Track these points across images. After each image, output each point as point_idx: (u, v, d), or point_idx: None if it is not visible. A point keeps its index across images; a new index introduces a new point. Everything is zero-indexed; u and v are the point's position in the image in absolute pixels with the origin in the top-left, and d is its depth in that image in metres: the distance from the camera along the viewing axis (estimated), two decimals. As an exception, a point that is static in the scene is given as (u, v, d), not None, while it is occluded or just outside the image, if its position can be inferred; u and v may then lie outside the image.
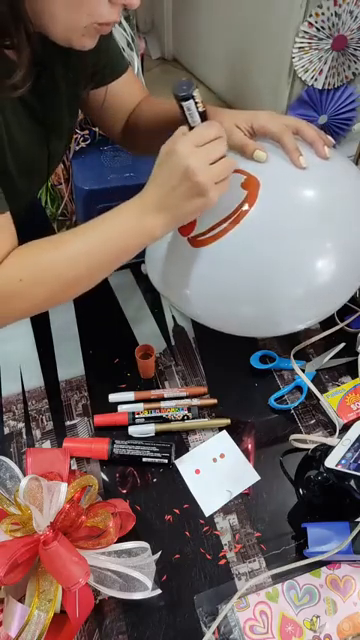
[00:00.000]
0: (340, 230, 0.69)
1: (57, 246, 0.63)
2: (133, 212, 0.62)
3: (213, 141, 0.60)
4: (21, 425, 0.80)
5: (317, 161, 0.69)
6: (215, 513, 0.71)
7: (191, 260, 0.72)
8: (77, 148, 1.58)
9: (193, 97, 0.60)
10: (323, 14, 1.71)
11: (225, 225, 0.67)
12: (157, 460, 0.74)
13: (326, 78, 1.87)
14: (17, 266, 0.62)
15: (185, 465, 0.75)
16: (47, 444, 0.78)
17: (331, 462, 0.64)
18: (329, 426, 0.79)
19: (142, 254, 0.83)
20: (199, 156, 0.58)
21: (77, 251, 0.62)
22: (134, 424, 0.78)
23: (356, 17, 1.74)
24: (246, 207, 0.66)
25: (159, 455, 0.74)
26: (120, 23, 1.40)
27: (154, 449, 0.74)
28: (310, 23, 1.73)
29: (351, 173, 0.73)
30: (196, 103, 0.60)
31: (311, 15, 1.72)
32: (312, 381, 0.82)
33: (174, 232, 0.73)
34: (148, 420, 0.78)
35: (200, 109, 0.61)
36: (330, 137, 0.72)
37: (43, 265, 0.62)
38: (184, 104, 0.60)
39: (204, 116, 0.62)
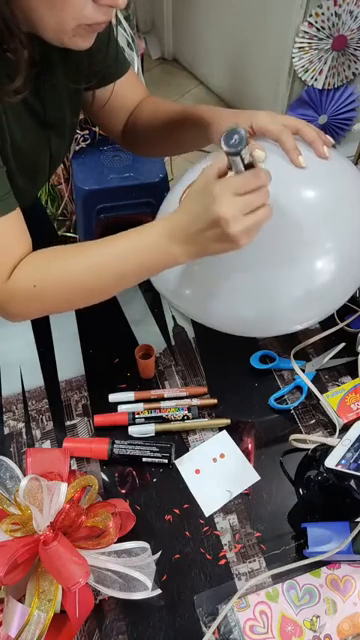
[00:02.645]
0: (339, 230, 0.69)
1: (74, 255, 0.63)
2: (160, 236, 0.60)
3: (254, 191, 0.56)
4: (21, 425, 0.80)
5: (316, 161, 0.69)
6: (215, 513, 0.71)
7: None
8: (77, 148, 1.58)
9: (240, 154, 0.54)
10: (323, 14, 1.71)
11: None
12: (157, 460, 0.74)
13: (326, 78, 1.87)
14: (32, 271, 0.63)
15: (185, 465, 0.75)
16: (47, 444, 0.78)
17: (331, 462, 0.64)
18: (329, 426, 0.79)
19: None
20: (235, 206, 0.55)
21: (93, 262, 0.62)
22: (134, 424, 0.78)
23: (356, 17, 1.74)
24: None
25: (159, 455, 0.74)
26: (120, 23, 1.40)
27: (154, 449, 0.74)
28: (310, 23, 1.73)
29: (351, 173, 0.73)
30: (242, 159, 0.55)
31: (311, 15, 1.72)
32: (312, 381, 0.82)
33: None
34: (148, 420, 0.78)
35: (246, 162, 0.56)
36: (330, 137, 0.72)
37: (57, 272, 0.62)
38: (231, 158, 0.55)
39: (251, 165, 0.57)
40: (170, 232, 0.60)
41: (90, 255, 0.62)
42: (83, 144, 1.58)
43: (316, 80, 1.87)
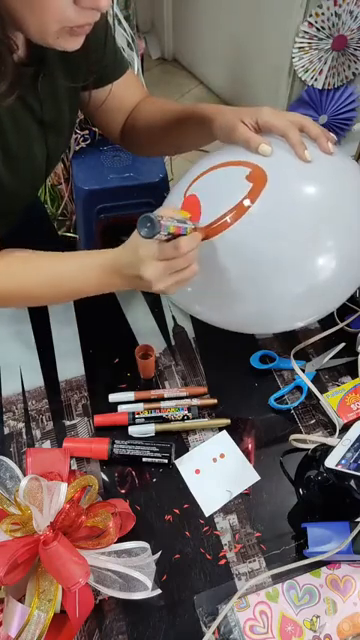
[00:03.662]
0: (341, 228, 0.69)
1: (32, 270, 0.69)
2: (103, 268, 0.66)
3: (177, 258, 0.61)
4: (21, 425, 0.80)
5: (321, 157, 0.69)
6: (215, 513, 0.71)
7: None
8: (77, 148, 1.58)
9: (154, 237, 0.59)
10: (323, 14, 1.71)
11: (227, 218, 0.67)
12: (157, 460, 0.74)
13: (326, 78, 1.87)
14: None
15: (185, 465, 0.75)
16: (47, 444, 0.78)
17: (331, 462, 0.64)
18: (329, 426, 0.79)
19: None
20: (158, 270, 0.61)
21: (47, 280, 0.69)
22: (134, 424, 0.78)
23: (356, 17, 1.74)
24: (247, 202, 0.66)
25: (159, 455, 0.74)
26: (120, 23, 1.40)
27: (154, 449, 0.74)
28: (310, 23, 1.73)
29: (354, 172, 0.73)
30: (159, 239, 0.59)
31: (311, 15, 1.72)
32: (312, 381, 0.82)
33: None
34: (148, 420, 0.78)
35: (165, 238, 0.60)
36: (332, 134, 0.72)
37: (13, 286, 0.69)
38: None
39: (175, 236, 0.60)
40: (111, 267, 0.66)
41: (46, 273, 0.69)
42: (83, 144, 1.58)
43: (316, 80, 1.87)
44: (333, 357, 0.84)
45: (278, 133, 0.69)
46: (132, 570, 0.61)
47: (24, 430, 0.79)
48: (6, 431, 0.79)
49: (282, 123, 0.68)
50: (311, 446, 0.73)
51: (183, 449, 0.76)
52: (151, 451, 0.74)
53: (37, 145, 0.74)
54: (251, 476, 0.74)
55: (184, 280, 0.64)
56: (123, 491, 0.73)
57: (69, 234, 1.85)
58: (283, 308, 0.71)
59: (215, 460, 0.75)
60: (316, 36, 1.76)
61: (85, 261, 0.68)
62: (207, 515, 0.71)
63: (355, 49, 1.83)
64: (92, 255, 0.68)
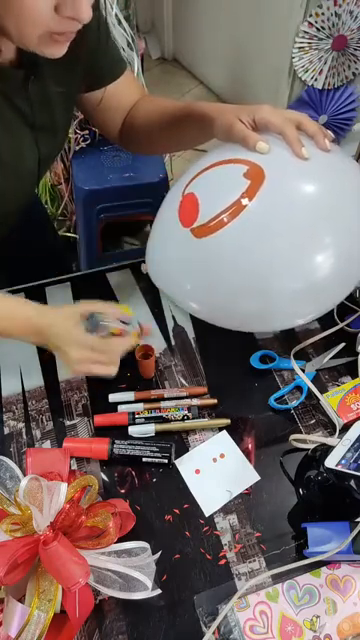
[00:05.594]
0: (340, 226, 0.69)
1: None
2: (30, 323, 0.70)
3: (104, 354, 0.67)
4: (21, 425, 0.80)
5: (319, 155, 0.69)
6: (215, 513, 0.71)
7: (192, 254, 0.71)
8: (77, 148, 1.59)
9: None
10: (323, 14, 1.71)
11: (224, 216, 0.67)
12: (157, 460, 0.74)
13: (326, 78, 1.87)
14: None
15: (185, 465, 0.75)
16: (47, 444, 0.78)
17: (331, 462, 0.64)
18: (329, 426, 0.79)
19: (143, 253, 0.83)
20: (83, 356, 0.67)
21: None
22: (134, 424, 0.78)
23: (356, 17, 1.74)
24: (245, 200, 0.66)
25: (159, 455, 0.74)
26: (120, 23, 1.40)
27: (154, 449, 0.74)
28: (310, 23, 1.73)
29: (353, 169, 0.73)
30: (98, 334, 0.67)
31: (311, 15, 1.72)
32: (312, 381, 0.82)
33: (176, 227, 0.73)
34: (148, 420, 0.78)
35: (104, 336, 0.68)
36: (330, 132, 0.72)
37: None
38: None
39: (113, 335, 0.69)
40: (37, 327, 0.69)
41: None
42: (83, 144, 1.59)
43: (316, 80, 1.87)
44: (333, 357, 0.84)
45: (275, 130, 0.68)
46: (132, 570, 0.61)
47: (24, 430, 0.79)
48: (6, 431, 0.79)
49: (279, 120, 0.68)
50: (311, 446, 0.73)
51: (183, 449, 0.76)
52: (151, 451, 0.74)
53: (28, 148, 0.73)
54: (251, 476, 0.74)
55: (98, 371, 0.69)
56: (123, 491, 0.73)
57: (69, 234, 1.85)
58: (282, 305, 0.71)
59: (215, 460, 0.75)
60: (316, 36, 1.76)
61: (17, 309, 0.71)
62: (207, 515, 0.71)
63: (355, 49, 1.83)
64: (24, 306, 0.71)
